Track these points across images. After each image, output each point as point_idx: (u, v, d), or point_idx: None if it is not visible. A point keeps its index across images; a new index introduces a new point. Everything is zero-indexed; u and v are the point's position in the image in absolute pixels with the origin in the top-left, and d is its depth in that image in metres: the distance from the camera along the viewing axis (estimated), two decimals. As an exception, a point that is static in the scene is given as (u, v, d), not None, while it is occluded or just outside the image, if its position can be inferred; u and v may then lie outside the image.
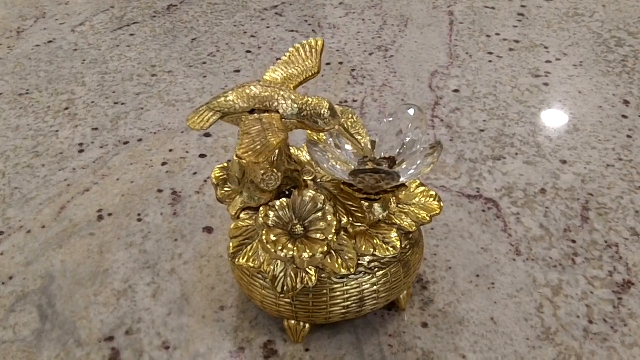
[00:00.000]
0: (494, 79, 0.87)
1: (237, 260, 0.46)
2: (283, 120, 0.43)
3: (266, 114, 0.42)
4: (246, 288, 0.49)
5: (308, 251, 0.44)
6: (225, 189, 0.49)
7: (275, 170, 0.45)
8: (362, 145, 0.48)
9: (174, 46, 0.98)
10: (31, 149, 0.75)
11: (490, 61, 0.91)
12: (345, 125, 0.45)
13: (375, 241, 0.48)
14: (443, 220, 0.62)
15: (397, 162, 0.49)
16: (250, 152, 0.37)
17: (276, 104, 0.43)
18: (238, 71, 0.90)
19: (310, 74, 0.47)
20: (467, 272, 0.57)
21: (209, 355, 0.50)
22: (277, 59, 0.51)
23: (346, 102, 0.82)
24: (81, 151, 0.74)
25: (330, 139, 0.51)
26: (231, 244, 0.47)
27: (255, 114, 0.42)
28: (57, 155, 0.73)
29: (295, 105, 0.43)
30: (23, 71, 0.92)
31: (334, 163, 0.48)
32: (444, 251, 0.59)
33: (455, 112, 0.79)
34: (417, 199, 0.51)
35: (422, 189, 0.52)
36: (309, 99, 0.43)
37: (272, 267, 0.45)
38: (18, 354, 0.50)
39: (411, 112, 0.50)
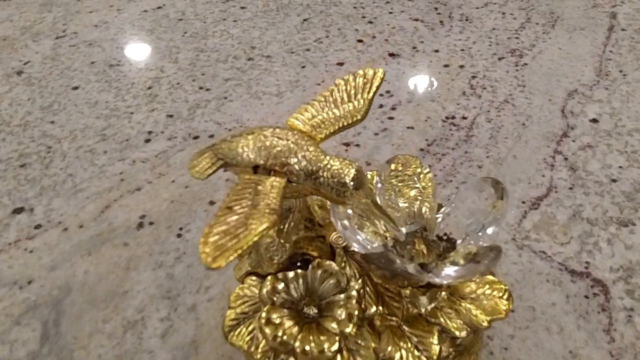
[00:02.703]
0: (651, 113, 0.71)
1: (229, 337, 0.39)
2: (291, 185, 0.34)
3: (269, 178, 0.33)
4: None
5: (314, 345, 0.36)
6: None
7: (282, 240, 0.36)
8: (397, 225, 0.37)
9: (281, 26, 0.91)
10: (100, 131, 0.72)
11: (651, 88, 0.74)
12: (374, 200, 0.35)
13: (406, 344, 0.38)
14: (530, 301, 0.50)
15: (456, 248, 0.38)
16: (212, 254, 0.29)
17: (288, 162, 0.34)
18: (341, 64, 0.82)
19: (352, 120, 0.37)
20: (541, 385, 0.45)
21: None
22: (337, 79, 0.41)
23: (453, 118, 0.70)
24: (147, 140, 0.70)
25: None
26: (227, 315, 0.39)
27: (256, 175, 0.34)
28: (123, 141, 0.70)
29: (310, 168, 0.33)
30: (122, 39, 0.90)
31: (368, 234, 0.39)
32: (518, 346, 0.47)
33: (585, 150, 0.65)
34: (479, 291, 0.40)
35: (490, 277, 0.41)
36: (332, 161, 0.34)
37: (265, 357, 0.37)
38: (5, 377, 0.47)
39: (491, 191, 0.38)
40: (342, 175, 0.33)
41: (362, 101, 0.38)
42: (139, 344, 0.49)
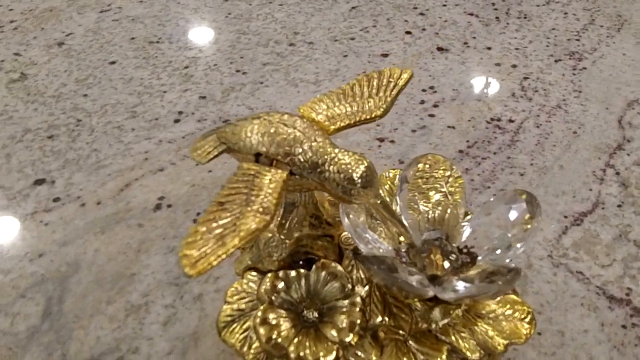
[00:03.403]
0: None
1: (222, 333, 0.37)
2: (294, 178, 0.31)
3: (269, 170, 0.31)
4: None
5: (309, 352, 0.34)
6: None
7: (283, 237, 0.34)
8: (407, 231, 0.34)
9: (328, 13, 0.88)
10: (130, 107, 0.71)
11: None
12: (384, 202, 0.32)
13: None
14: (560, 325, 0.47)
15: (476, 263, 0.35)
16: (193, 258, 0.26)
17: (292, 152, 0.31)
18: (386, 55, 0.79)
19: (370, 115, 0.35)
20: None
21: None
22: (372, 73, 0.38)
23: (499, 120, 0.66)
24: (177, 121, 0.69)
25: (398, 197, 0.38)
26: (223, 310, 0.37)
27: (256, 165, 0.31)
28: (152, 120, 0.69)
29: (316, 160, 0.31)
30: (165, 16, 0.89)
31: (381, 235, 0.36)
32: (542, 373, 0.44)
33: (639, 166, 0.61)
34: (498, 310, 0.37)
35: (512, 296, 0.38)
36: (340, 154, 0.31)
37: (256, 358, 0.35)
38: (2, 350, 0.46)
39: (524, 206, 0.35)
40: (350, 171, 0.30)
41: (384, 98, 0.36)
42: (139, 329, 0.48)
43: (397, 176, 0.42)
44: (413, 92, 0.72)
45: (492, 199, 0.36)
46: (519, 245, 0.33)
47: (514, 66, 0.76)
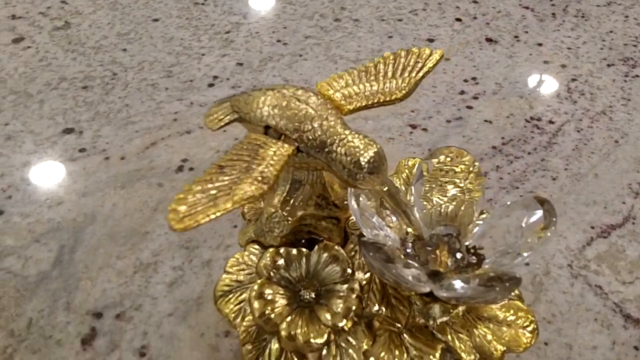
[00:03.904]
0: None
1: (218, 302, 0.37)
2: (301, 155, 0.31)
3: (276, 143, 0.30)
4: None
5: (299, 331, 0.34)
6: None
7: (286, 214, 0.34)
8: (414, 222, 0.34)
9: (379, -10, 0.87)
10: (167, 67, 0.71)
11: None
12: (391, 190, 0.31)
13: (402, 354, 0.35)
14: (569, 337, 0.46)
15: (483, 264, 0.34)
16: (182, 213, 0.26)
17: (301, 128, 0.31)
18: (432, 40, 0.77)
19: (390, 97, 0.34)
20: None
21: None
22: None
23: (539, 120, 0.65)
24: (211, 85, 0.69)
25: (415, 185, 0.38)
26: (221, 279, 0.38)
27: (264, 137, 0.31)
28: (187, 81, 0.69)
29: (325, 139, 0.30)
30: (214, -22, 0.89)
31: (387, 224, 0.35)
32: (543, 384, 0.43)
33: (681, 185, 0.58)
34: (501, 315, 0.36)
35: (518, 302, 0.37)
36: (350, 136, 0.30)
37: (247, 333, 0.35)
38: (10, 291, 0.47)
39: (540, 215, 0.34)
40: (358, 155, 0.30)
41: (407, 79, 0.35)
42: (145, 287, 0.48)
43: (417, 165, 0.42)
44: (454, 81, 0.71)
45: (509, 202, 0.35)
46: (526, 254, 0.32)
47: (563, 66, 0.73)
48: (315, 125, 0.31)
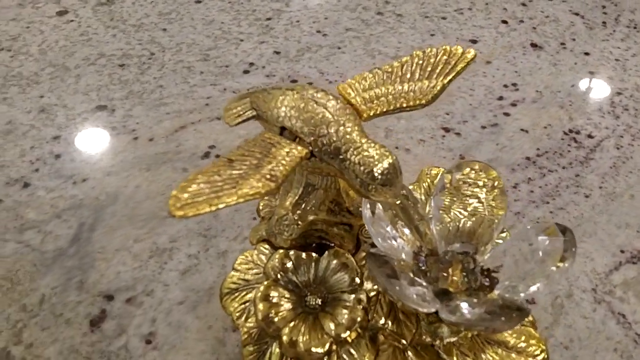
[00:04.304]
0: None
1: (224, 299, 0.36)
2: (314, 160, 0.30)
3: (290, 144, 0.29)
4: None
5: (301, 338, 0.33)
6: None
7: (296, 217, 0.33)
8: (428, 239, 0.32)
9: (426, -14, 0.85)
10: (204, 50, 0.71)
11: None
12: (404, 204, 0.30)
13: (403, 370, 0.34)
14: (586, 365, 0.44)
15: (493, 290, 0.33)
16: (183, 200, 0.25)
17: (317, 132, 0.30)
18: (474, 42, 0.75)
19: (413, 102, 0.32)
20: None
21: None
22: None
23: (577, 133, 0.62)
24: (246, 72, 0.69)
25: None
26: (229, 276, 0.37)
27: (278, 137, 0.30)
28: (222, 66, 0.69)
29: (339, 146, 0.29)
30: (261, -37, 0.88)
31: (399, 235, 0.34)
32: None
33: None
34: (511, 340, 0.35)
35: (530, 329, 0.35)
36: (366, 144, 0.29)
37: (249, 334, 0.35)
38: (26, 265, 0.48)
39: (560, 243, 0.32)
40: (371, 165, 0.29)
41: (434, 82, 0.33)
42: (159, 273, 0.48)
43: (439, 175, 0.40)
44: (493, 85, 0.69)
45: (529, 227, 0.33)
46: (539, 284, 0.31)
47: (610, 78, 0.70)
48: (332, 130, 0.29)
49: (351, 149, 0.29)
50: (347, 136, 0.29)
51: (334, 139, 0.29)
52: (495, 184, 0.38)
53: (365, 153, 0.29)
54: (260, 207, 0.40)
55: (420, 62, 0.34)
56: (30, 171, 0.55)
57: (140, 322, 0.45)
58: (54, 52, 0.70)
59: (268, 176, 0.27)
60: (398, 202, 0.30)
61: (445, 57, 0.34)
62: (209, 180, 0.26)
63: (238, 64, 0.70)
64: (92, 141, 0.59)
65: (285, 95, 0.31)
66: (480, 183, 0.39)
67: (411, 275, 0.32)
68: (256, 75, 0.68)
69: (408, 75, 0.33)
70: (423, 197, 0.40)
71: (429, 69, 0.34)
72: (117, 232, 0.51)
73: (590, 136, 0.63)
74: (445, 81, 0.33)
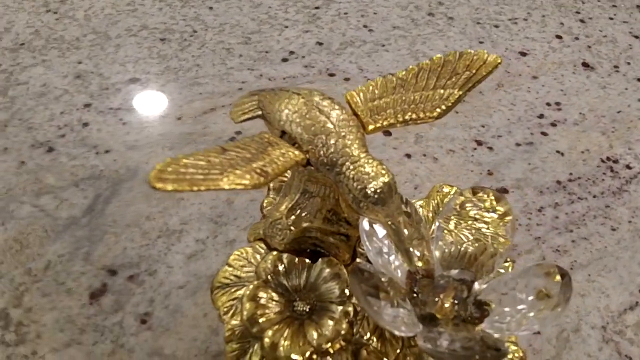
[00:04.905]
0: None
1: (214, 292, 0.36)
2: (310, 169, 0.29)
3: (288, 147, 0.29)
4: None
5: (283, 343, 0.32)
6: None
7: (290, 223, 0.32)
8: (414, 264, 0.31)
9: (482, -9, 0.82)
10: (247, 33, 0.71)
11: None
12: (396, 226, 0.29)
13: (381, 389, 0.33)
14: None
15: (482, 323, 0.32)
16: (165, 174, 0.25)
17: (314, 142, 0.29)
18: (524, 54, 0.73)
19: (422, 115, 0.31)
20: None
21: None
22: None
23: (615, 162, 0.60)
24: (285, 60, 0.68)
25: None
26: (221, 270, 0.37)
27: (278, 139, 0.29)
28: (262, 52, 0.68)
29: (335, 158, 0.28)
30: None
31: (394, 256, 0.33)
32: None
33: None
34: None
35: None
36: (364, 159, 0.28)
37: (232, 331, 0.35)
38: (37, 230, 0.49)
39: (555, 290, 0.30)
40: (366, 182, 0.28)
41: (448, 93, 0.31)
42: (164, 254, 0.48)
43: (450, 195, 0.39)
44: (536, 102, 0.66)
45: (530, 265, 0.32)
46: (526, 326, 0.29)
47: (653, 105, 0.67)
48: (331, 141, 0.29)
49: (347, 163, 0.28)
50: (346, 149, 0.28)
51: (332, 150, 0.29)
52: (506, 217, 0.37)
53: (361, 169, 0.28)
54: (264, 205, 0.39)
55: (438, 68, 0.33)
56: (56, 136, 0.56)
57: (138, 300, 0.45)
58: (99, 19, 0.70)
59: (258, 170, 0.26)
60: (390, 222, 0.29)
61: (466, 63, 0.32)
62: (198, 163, 0.26)
63: (278, 51, 0.69)
64: (121, 113, 0.59)
65: (291, 98, 0.31)
66: (491, 211, 0.37)
67: (396, 295, 0.31)
68: (294, 65, 0.68)
69: (422, 83, 0.32)
70: (430, 215, 0.38)
71: (446, 76, 0.32)
72: (130, 208, 0.51)
73: (628, 167, 0.60)
74: (461, 92, 0.32)
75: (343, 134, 0.29)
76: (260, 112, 0.32)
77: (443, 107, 0.31)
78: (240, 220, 0.52)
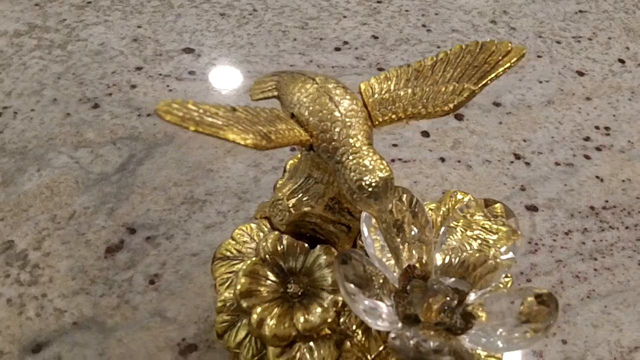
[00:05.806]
0: None
1: (214, 263, 0.37)
2: (310, 153, 0.30)
3: (296, 124, 0.29)
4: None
5: (269, 322, 0.33)
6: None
7: (290, 205, 0.32)
8: (401, 262, 0.31)
9: (551, 5, 0.80)
10: (305, 18, 0.71)
11: None
12: (388, 222, 0.29)
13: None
14: None
15: (465, 333, 0.31)
16: (173, 108, 0.25)
17: (320, 127, 0.29)
18: (581, 73, 0.71)
19: (432, 110, 0.30)
20: None
21: (172, 323, 0.43)
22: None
23: (631, 186, 0.58)
24: (337, 49, 0.68)
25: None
26: (224, 244, 0.37)
27: (288, 117, 0.30)
28: (316, 38, 0.69)
29: (337, 146, 0.28)
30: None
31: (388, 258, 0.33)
32: None
33: None
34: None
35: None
36: (365, 152, 0.28)
37: (224, 303, 0.35)
38: (69, 180, 0.51)
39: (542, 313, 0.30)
40: (361, 175, 0.28)
41: (462, 87, 0.30)
42: (184, 220, 0.50)
43: (465, 201, 0.38)
44: (584, 124, 0.64)
45: (525, 287, 0.31)
46: (505, 347, 0.29)
47: None
48: (335, 129, 0.29)
49: (347, 154, 0.28)
50: (349, 139, 0.28)
51: (335, 138, 0.29)
52: (514, 234, 0.36)
53: (360, 160, 0.28)
54: (278, 185, 0.40)
55: (456, 60, 0.31)
56: (103, 94, 0.58)
57: (151, 261, 0.47)
58: (165, -13, 0.72)
59: (262, 134, 0.26)
60: (383, 219, 0.28)
61: (485, 56, 0.31)
62: (206, 111, 0.26)
63: (332, 40, 0.69)
64: (169, 80, 0.61)
65: (305, 83, 0.31)
66: (500, 225, 0.36)
67: (382, 289, 0.31)
68: (346, 55, 0.68)
69: (438, 76, 0.31)
70: (439, 220, 0.38)
71: (462, 69, 0.31)
72: (161, 172, 0.53)
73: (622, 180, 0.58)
74: (476, 88, 0.30)
75: (349, 123, 0.29)
76: (276, 93, 0.32)
77: (456, 102, 0.30)
78: (264, 199, 0.52)
